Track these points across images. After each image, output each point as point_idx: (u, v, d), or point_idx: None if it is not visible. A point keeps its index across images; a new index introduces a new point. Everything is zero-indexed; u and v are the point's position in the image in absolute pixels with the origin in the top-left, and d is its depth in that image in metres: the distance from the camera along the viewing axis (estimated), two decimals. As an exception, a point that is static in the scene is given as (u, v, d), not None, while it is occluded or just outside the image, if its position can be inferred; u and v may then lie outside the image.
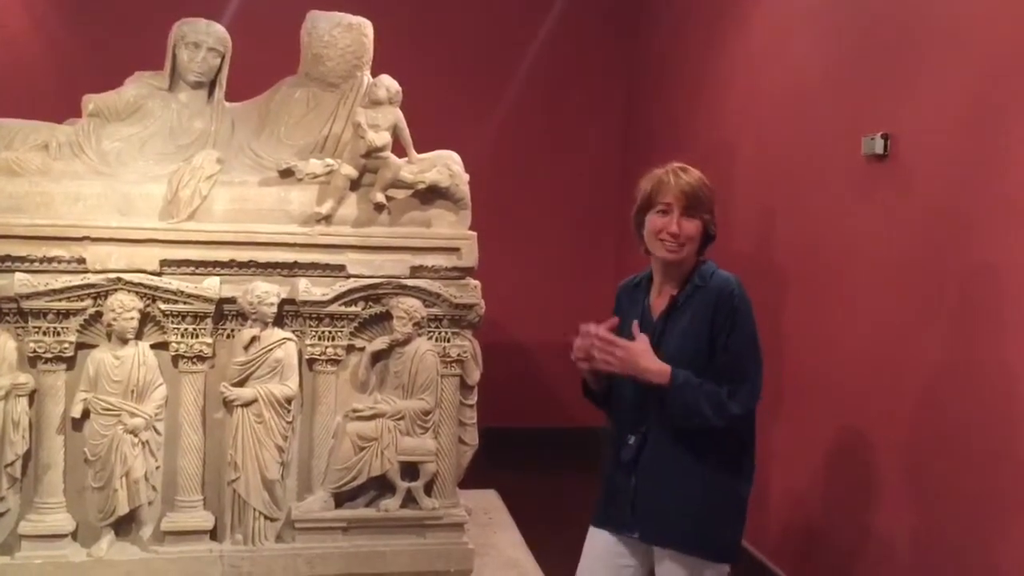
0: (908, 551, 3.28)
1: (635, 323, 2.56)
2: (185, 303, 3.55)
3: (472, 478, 4.08)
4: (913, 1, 3.38)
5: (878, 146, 3.46)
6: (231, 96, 3.92)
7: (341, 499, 3.73)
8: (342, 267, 3.70)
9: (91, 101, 3.77)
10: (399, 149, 3.81)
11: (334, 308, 3.65)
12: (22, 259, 3.49)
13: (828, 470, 3.83)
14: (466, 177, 3.87)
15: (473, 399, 3.93)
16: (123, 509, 3.51)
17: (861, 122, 3.60)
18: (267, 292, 3.57)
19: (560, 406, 6.47)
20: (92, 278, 3.50)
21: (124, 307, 3.48)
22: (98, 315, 3.53)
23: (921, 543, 3.22)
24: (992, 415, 2.89)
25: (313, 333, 3.68)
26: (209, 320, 3.59)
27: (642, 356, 2.47)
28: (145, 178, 3.68)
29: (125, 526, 3.60)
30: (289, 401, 3.63)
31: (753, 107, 4.66)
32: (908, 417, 3.31)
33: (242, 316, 3.63)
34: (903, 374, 3.34)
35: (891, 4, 3.51)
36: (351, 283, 3.67)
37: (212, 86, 3.87)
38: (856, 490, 3.61)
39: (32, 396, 3.54)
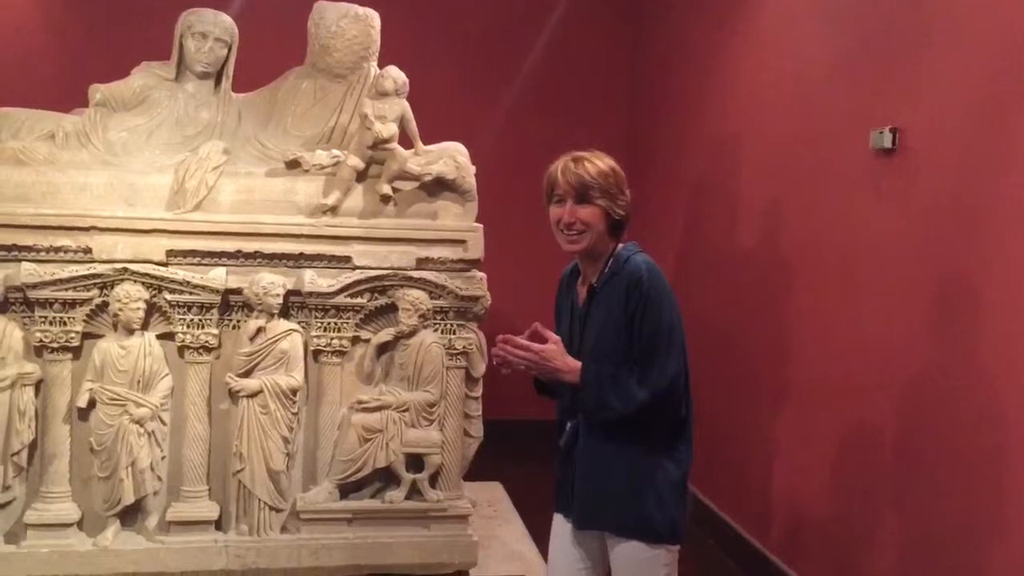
0: (910, 547, 3.28)
1: (536, 324, 2.58)
2: (191, 293, 3.55)
3: (476, 470, 4.08)
4: (923, -6, 3.36)
5: (886, 140, 3.44)
6: (238, 87, 3.92)
7: (346, 490, 3.74)
8: (348, 258, 3.70)
9: (98, 91, 3.78)
10: (406, 141, 3.81)
11: (340, 299, 3.66)
12: (28, 248, 3.49)
13: (832, 465, 3.82)
14: (472, 169, 3.86)
15: (478, 391, 3.93)
16: (129, 499, 3.52)
17: (869, 116, 3.59)
18: (273, 283, 3.57)
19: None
20: (98, 268, 3.50)
21: (130, 297, 3.48)
22: (104, 305, 3.53)
23: (923, 540, 3.22)
24: (999, 412, 2.88)
25: (319, 324, 3.68)
26: (215, 311, 3.60)
27: (553, 358, 2.50)
28: (151, 168, 3.68)
29: (131, 516, 3.61)
30: (294, 392, 3.63)
31: (760, 101, 4.65)
32: (913, 413, 3.30)
33: (248, 307, 3.63)
34: (909, 369, 3.33)
35: (900, -3, 3.49)
36: (357, 274, 3.67)
37: (219, 76, 3.87)
38: (860, 486, 3.61)
39: (38, 386, 3.55)
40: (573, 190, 2.55)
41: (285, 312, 3.66)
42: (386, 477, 3.76)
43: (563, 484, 2.71)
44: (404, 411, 3.71)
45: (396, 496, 3.74)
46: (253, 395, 3.59)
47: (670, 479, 2.56)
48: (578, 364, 2.50)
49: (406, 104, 3.78)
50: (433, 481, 3.79)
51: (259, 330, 3.60)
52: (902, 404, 3.36)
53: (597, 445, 2.58)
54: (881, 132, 3.47)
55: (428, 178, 3.78)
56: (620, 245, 2.63)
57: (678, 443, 2.58)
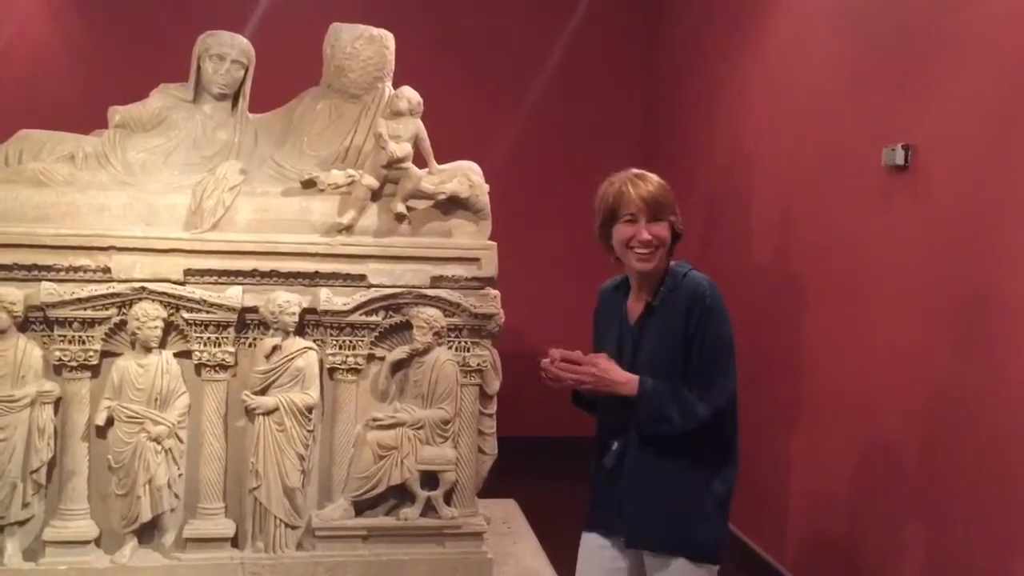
0: (926, 560, 3.26)
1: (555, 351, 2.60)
2: (208, 312, 3.58)
3: (491, 487, 4.08)
4: (934, 12, 3.37)
5: (899, 157, 3.45)
6: (254, 107, 3.96)
7: (361, 507, 3.75)
8: (363, 277, 3.73)
9: (117, 112, 3.83)
10: (420, 160, 3.84)
11: (355, 318, 3.68)
12: (48, 268, 3.53)
13: (846, 477, 3.81)
14: (486, 187, 3.89)
15: (492, 408, 3.94)
16: (146, 516, 3.55)
17: (882, 133, 3.59)
18: (289, 301, 3.60)
19: (579, 415, 6.45)
20: (117, 287, 3.54)
21: (148, 316, 3.52)
22: (123, 324, 3.57)
23: (939, 552, 3.20)
24: (1012, 425, 2.87)
25: (334, 342, 3.71)
26: (231, 329, 3.63)
27: (608, 371, 2.52)
28: (169, 188, 3.73)
29: (148, 533, 3.63)
30: (310, 410, 3.65)
31: (773, 117, 4.66)
32: (927, 427, 3.29)
33: (264, 325, 3.66)
34: (922, 383, 3.32)
35: (912, 15, 3.50)
36: (372, 293, 3.70)
37: (236, 97, 3.91)
38: (874, 498, 3.60)
39: (57, 404, 3.58)
40: (647, 208, 2.54)
41: (301, 330, 3.68)
42: (401, 494, 3.77)
43: (603, 503, 2.68)
44: (419, 428, 3.73)
45: (411, 513, 3.75)
46: (269, 413, 3.62)
47: (717, 498, 2.57)
48: (634, 376, 2.51)
49: (420, 124, 3.82)
50: (448, 498, 3.80)
51: (275, 348, 3.62)
52: (919, 419, 3.35)
53: (648, 463, 2.56)
54: (893, 149, 3.48)
55: (442, 197, 3.81)
56: (672, 262, 2.64)
57: (726, 462, 2.59)
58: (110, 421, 3.55)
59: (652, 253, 2.54)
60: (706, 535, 2.55)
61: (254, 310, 3.64)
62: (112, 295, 3.53)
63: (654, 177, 2.61)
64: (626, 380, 2.51)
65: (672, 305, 2.56)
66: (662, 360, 2.54)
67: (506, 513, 4.68)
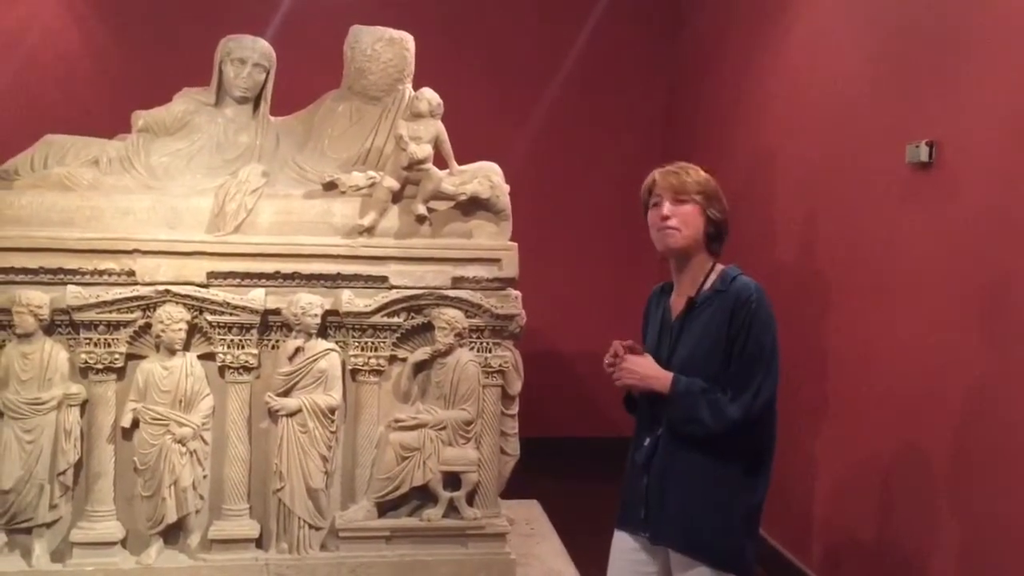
0: (954, 564, 3.22)
1: (615, 343, 2.61)
2: (231, 314, 3.61)
3: (514, 488, 4.08)
4: (958, 8, 3.34)
5: (923, 154, 3.42)
6: (276, 110, 3.98)
7: (384, 508, 3.76)
8: (384, 278, 3.74)
9: (140, 117, 3.86)
10: (440, 161, 3.85)
11: (377, 319, 3.69)
12: (74, 272, 3.57)
13: (873, 478, 3.78)
14: (507, 188, 3.89)
15: (515, 409, 3.94)
16: (171, 517, 3.58)
17: (906, 129, 3.56)
18: (311, 303, 3.62)
19: (602, 416, 6.45)
20: (141, 290, 3.57)
21: (172, 318, 3.55)
22: (147, 326, 3.60)
23: (967, 556, 3.17)
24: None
25: (356, 344, 3.72)
26: (255, 331, 3.65)
27: (644, 366, 2.53)
28: (192, 192, 3.75)
29: (173, 534, 3.66)
30: (333, 411, 3.67)
31: (795, 114, 4.63)
32: (954, 426, 3.26)
33: (287, 327, 3.68)
34: (949, 381, 3.29)
35: (935, 11, 3.47)
36: (393, 294, 3.71)
37: (257, 101, 3.93)
38: (902, 499, 3.56)
39: (83, 406, 3.62)
40: (671, 188, 2.57)
41: (323, 332, 3.70)
42: (424, 495, 3.78)
43: (632, 500, 2.66)
44: (441, 429, 3.73)
45: (434, 514, 3.76)
46: (292, 414, 3.63)
47: (744, 510, 2.53)
48: (669, 374, 2.50)
49: (440, 125, 3.82)
50: (470, 499, 3.80)
51: (298, 350, 3.64)
52: (947, 418, 3.31)
53: (676, 463, 2.54)
54: (918, 146, 3.44)
55: (463, 198, 3.81)
56: (723, 266, 2.62)
57: (757, 473, 2.55)
58: (135, 423, 3.58)
59: (677, 231, 2.54)
60: (730, 546, 2.51)
61: (277, 312, 3.66)
62: (137, 298, 3.57)
63: (689, 167, 2.62)
64: (660, 376, 2.51)
65: (718, 304, 2.53)
66: (699, 357, 2.52)
67: (529, 514, 4.68)
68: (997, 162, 3.09)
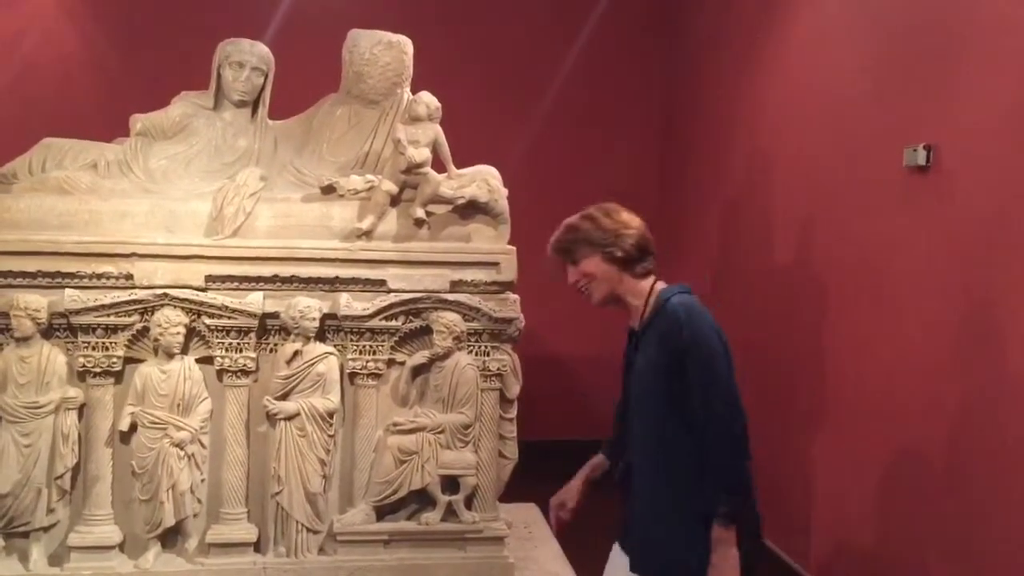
0: (950, 568, 3.23)
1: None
2: (229, 318, 3.60)
3: (512, 492, 4.08)
4: (955, 12, 3.35)
5: (920, 157, 3.42)
6: (274, 114, 3.98)
7: (382, 512, 3.76)
8: (383, 282, 3.74)
9: (138, 121, 3.86)
10: (439, 165, 3.85)
11: (375, 322, 3.69)
12: (72, 275, 3.57)
13: (870, 481, 3.78)
14: (505, 192, 3.89)
15: (513, 413, 3.94)
16: (169, 521, 3.57)
17: (903, 133, 3.57)
18: (309, 307, 3.62)
19: (600, 419, 6.43)
20: (139, 294, 3.57)
21: (170, 322, 3.55)
22: (145, 330, 3.60)
23: (963, 560, 3.17)
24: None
25: (354, 347, 3.72)
26: (253, 335, 3.65)
27: (715, 570, 2.42)
28: (191, 195, 3.75)
29: (171, 538, 3.66)
30: (331, 415, 3.67)
31: (793, 118, 4.64)
32: (951, 430, 3.26)
33: (285, 331, 3.68)
34: (945, 386, 3.29)
35: (933, 15, 3.48)
36: (392, 298, 3.71)
37: (256, 104, 3.94)
38: (901, 503, 3.57)
39: (81, 410, 3.62)
40: (560, 255, 2.64)
41: (321, 335, 3.70)
42: (422, 499, 3.78)
43: (623, 518, 2.68)
44: (439, 433, 3.73)
45: (432, 518, 3.76)
46: (290, 418, 3.63)
47: (699, 517, 2.45)
48: (725, 548, 2.40)
49: (439, 129, 3.83)
50: (469, 503, 3.80)
51: (296, 353, 3.64)
52: (943, 422, 3.32)
53: (644, 486, 2.56)
54: (915, 149, 3.45)
55: (461, 201, 3.81)
56: (662, 285, 2.60)
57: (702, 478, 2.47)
58: (133, 427, 3.58)
59: (587, 292, 2.62)
60: (691, 557, 2.44)
61: (275, 316, 3.66)
62: (135, 301, 3.56)
63: (571, 220, 2.68)
64: (716, 551, 2.40)
65: (654, 332, 2.53)
66: (649, 386, 2.53)
67: (527, 517, 4.68)
68: (994, 166, 3.09)
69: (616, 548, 2.73)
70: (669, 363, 2.45)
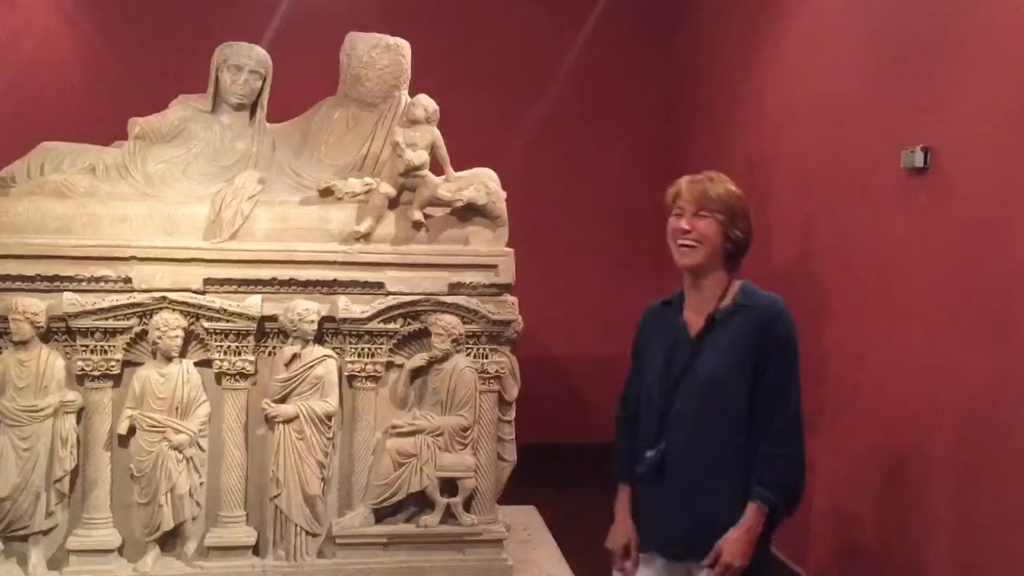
0: (953, 567, 3.23)
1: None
2: (228, 321, 3.60)
3: (511, 494, 4.08)
4: (952, 14, 3.35)
5: (918, 159, 3.43)
6: (272, 117, 3.99)
7: (381, 515, 3.76)
8: (381, 284, 3.74)
9: (137, 124, 3.87)
10: (437, 167, 3.85)
11: (373, 325, 3.69)
12: (70, 279, 3.57)
13: (869, 483, 3.78)
14: (503, 195, 3.90)
15: (511, 415, 3.94)
16: (168, 524, 3.57)
17: (901, 135, 3.57)
18: (307, 310, 3.62)
19: (599, 421, 6.42)
20: (138, 297, 3.57)
21: (169, 325, 3.54)
22: (144, 333, 3.60)
23: (962, 561, 3.17)
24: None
25: (353, 350, 3.72)
26: (251, 338, 3.65)
27: (736, 542, 2.43)
28: (189, 198, 3.75)
29: (170, 541, 3.65)
30: (330, 417, 3.67)
31: (792, 120, 4.64)
32: (950, 431, 3.27)
33: (283, 334, 3.68)
34: (943, 387, 3.30)
35: (930, 17, 3.48)
36: (390, 300, 3.71)
37: (254, 108, 3.94)
38: (899, 504, 3.57)
39: (80, 413, 3.61)
40: (694, 201, 2.52)
41: (320, 338, 3.70)
42: (421, 501, 3.78)
43: (642, 515, 2.61)
44: (438, 435, 3.73)
45: (431, 520, 3.75)
46: (289, 421, 3.63)
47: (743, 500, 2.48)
48: (750, 514, 2.44)
49: (437, 131, 3.83)
50: (467, 505, 3.80)
51: (294, 356, 3.64)
52: (942, 424, 3.32)
53: (687, 473, 2.50)
54: (913, 151, 3.45)
55: (459, 204, 3.81)
56: (739, 280, 2.59)
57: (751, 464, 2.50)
58: (132, 430, 3.58)
59: (693, 248, 2.51)
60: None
61: (273, 319, 3.66)
62: (133, 305, 3.56)
63: (718, 179, 2.58)
64: (748, 527, 2.44)
65: (744, 319, 2.50)
66: (725, 375, 2.48)
67: (526, 520, 4.67)
68: (992, 168, 3.10)
69: (644, 555, 2.63)
70: (755, 352, 2.46)
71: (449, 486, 3.78)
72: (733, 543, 2.43)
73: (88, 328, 3.54)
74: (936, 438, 3.34)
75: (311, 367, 3.65)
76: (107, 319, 3.55)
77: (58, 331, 3.59)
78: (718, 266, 2.55)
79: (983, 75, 3.16)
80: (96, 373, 3.58)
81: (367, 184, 3.81)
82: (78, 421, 3.61)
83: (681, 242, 2.52)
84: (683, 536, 2.52)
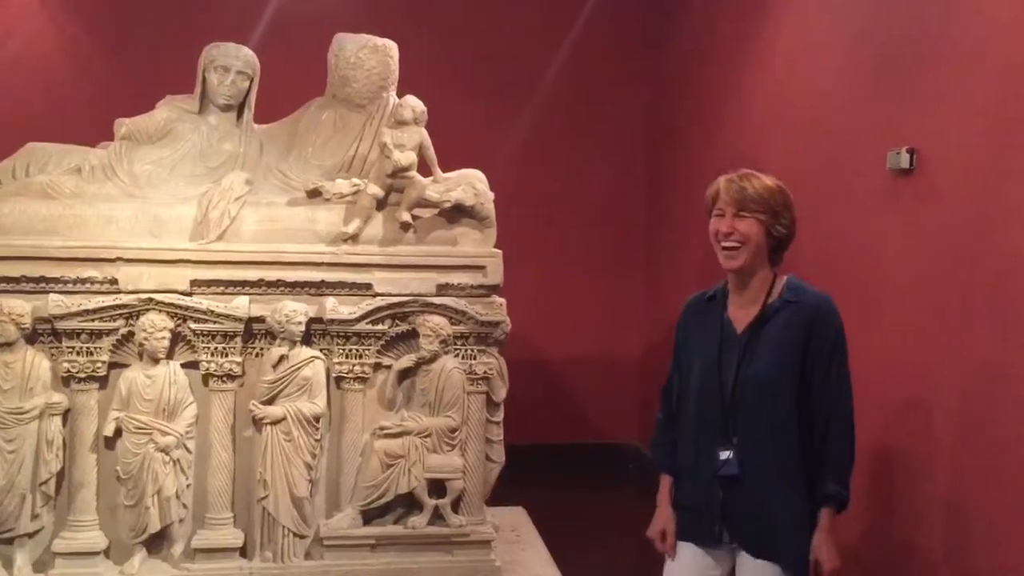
0: (943, 567, 3.24)
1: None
2: (215, 322, 3.59)
3: (499, 495, 4.09)
4: (938, 16, 3.37)
5: (904, 160, 3.44)
6: (259, 118, 3.98)
7: (369, 516, 3.75)
8: (369, 286, 3.74)
9: (123, 125, 3.85)
10: (425, 168, 3.85)
11: (361, 326, 3.69)
12: (56, 280, 3.55)
13: (856, 484, 3.79)
14: (491, 195, 3.90)
15: (499, 416, 3.94)
16: (155, 527, 3.56)
17: (886, 136, 3.59)
18: (295, 311, 3.61)
19: (587, 422, 6.47)
20: (124, 298, 3.56)
21: (155, 327, 3.53)
22: (130, 335, 3.58)
23: (956, 558, 3.19)
24: (1019, 428, 2.86)
25: (341, 351, 3.71)
26: (238, 339, 3.64)
27: (826, 546, 2.50)
28: (176, 200, 3.74)
29: (156, 544, 3.64)
30: (317, 419, 3.66)
31: (778, 122, 4.66)
32: (936, 430, 3.28)
33: (271, 335, 3.67)
34: (930, 388, 3.31)
35: (916, 19, 3.50)
36: (378, 301, 3.71)
37: (241, 108, 3.93)
38: (887, 505, 3.58)
39: (66, 415, 3.60)
40: (734, 202, 2.52)
41: (307, 339, 3.70)
42: (409, 503, 3.77)
43: (702, 511, 2.62)
44: (426, 437, 3.73)
45: (419, 522, 3.75)
46: (276, 422, 3.62)
47: (808, 505, 2.55)
48: (826, 518, 2.52)
49: (424, 132, 3.83)
50: (455, 506, 3.79)
51: (282, 358, 3.63)
52: (926, 425, 3.34)
53: (758, 472, 2.53)
54: (898, 153, 3.47)
55: (447, 205, 3.82)
56: (785, 275, 2.62)
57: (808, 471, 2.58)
58: (118, 432, 3.57)
59: (737, 249, 2.52)
60: (802, 545, 2.53)
61: (261, 320, 3.65)
62: (119, 306, 3.55)
63: (761, 176, 2.57)
64: (830, 527, 2.52)
65: (792, 315, 2.52)
66: (777, 370, 2.50)
67: (515, 521, 4.68)
68: (977, 169, 3.12)
69: (683, 544, 2.68)
70: (805, 351, 2.49)
71: (437, 487, 3.77)
72: (826, 547, 2.50)
73: (74, 329, 3.53)
74: (920, 437, 3.36)
75: (299, 368, 3.64)
76: (93, 320, 3.53)
77: (44, 333, 3.58)
78: (763, 265, 2.57)
79: (969, 77, 3.18)
80: (82, 375, 3.56)
81: (355, 185, 3.81)
82: (64, 423, 3.59)
83: (725, 244, 2.53)
84: (754, 533, 2.55)
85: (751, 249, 2.52)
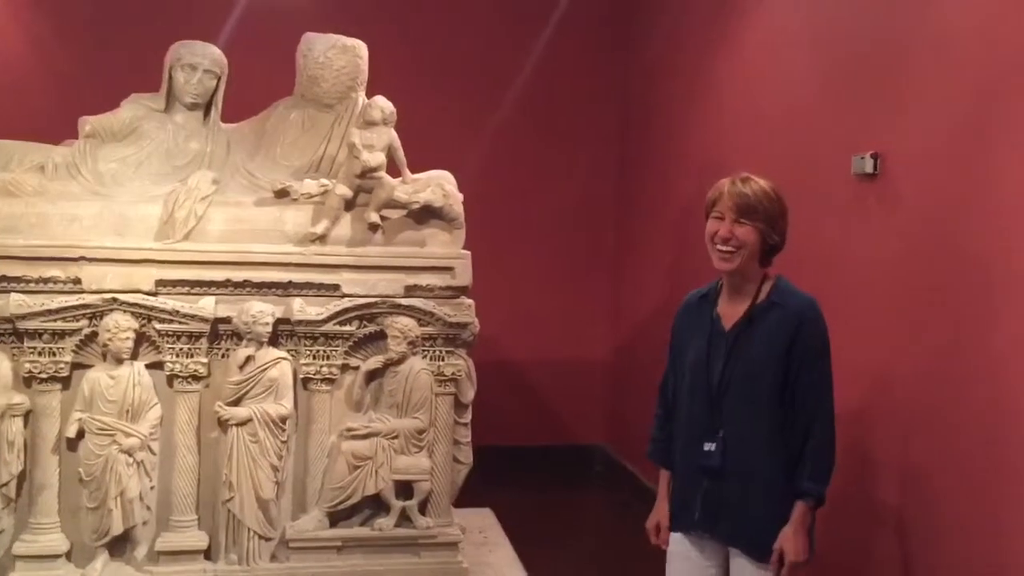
0: (910, 564, 3.28)
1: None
2: (180, 323, 3.56)
3: (467, 497, 4.08)
4: (903, 23, 3.42)
5: (868, 165, 3.49)
6: (227, 117, 3.95)
7: (336, 518, 3.74)
8: (337, 286, 3.72)
9: (88, 122, 3.81)
10: (394, 169, 3.84)
11: (329, 327, 3.67)
12: (18, 279, 3.50)
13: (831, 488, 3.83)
14: (460, 197, 3.90)
15: (467, 417, 3.94)
16: (117, 529, 3.51)
17: (851, 141, 3.63)
18: (262, 312, 3.59)
19: (555, 424, 6.48)
20: (88, 298, 3.52)
21: (119, 327, 3.49)
22: (94, 335, 3.54)
23: (923, 556, 3.23)
24: (983, 431, 2.91)
25: (308, 352, 3.70)
26: (204, 340, 3.61)
27: (792, 539, 2.56)
28: (141, 199, 3.71)
29: (119, 546, 3.60)
30: (284, 420, 3.64)
31: (745, 126, 4.70)
32: (904, 433, 3.32)
33: (237, 336, 3.64)
34: (895, 391, 3.35)
35: (881, 26, 3.55)
36: (346, 302, 3.70)
37: (208, 107, 3.90)
38: (854, 506, 3.62)
39: (27, 416, 3.54)
40: (735, 208, 2.59)
41: (274, 340, 3.67)
42: (376, 504, 3.76)
43: (689, 501, 2.69)
44: (393, 438, 3.72)
45: (386, 523, 3.74)
46: (242, 424, 3.60)
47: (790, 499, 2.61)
48: (800, 512, 2.57)
49: (393, 133, 3.82)
50: (423, 508, 3.79)
51: (248, 358, 3.61)
52: (895, 428, 3.38)
53: (742, 466, 2.60)
54: (863, 157, 3.51)
55: (416, 206, 3.81)
56: (774, 276, 2.68)
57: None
58: (81, 433, 3.52)
59: (732, 253, 2.59)
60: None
61: (227, 320, 3.62)
62: (83, 306, 3.51)
63: (761, 182, 2.65)
64: (801, 521, 2.57)
65: (777, 320, 2.60)
66: (758, 370, 2.58)
67: (482, 522, 4.68)
68: (940, 173, 3.16)
69: (677, 536, 2.76)
70: (788, 353, 2.56)
71: (404, 489, 3.77)
72: (793, 540, 2.55)
73: (36, 330, 3.48)
74: (884, 441, 3.40)
75: (265, 369, 3.62)
76: (56, 320, 3.49)
77: (5, 333, 3.52)
78: (755, 265, 2.65)
79: (933, 83, 3.23)
80: (44, 375, 3.51)
81: (323, 185, 3.80)
82: (25, 424, 3.54)
83: (720, 248, 2.61)
84: (735, 523, 2.62)
85: (745, 254, 2.61)
